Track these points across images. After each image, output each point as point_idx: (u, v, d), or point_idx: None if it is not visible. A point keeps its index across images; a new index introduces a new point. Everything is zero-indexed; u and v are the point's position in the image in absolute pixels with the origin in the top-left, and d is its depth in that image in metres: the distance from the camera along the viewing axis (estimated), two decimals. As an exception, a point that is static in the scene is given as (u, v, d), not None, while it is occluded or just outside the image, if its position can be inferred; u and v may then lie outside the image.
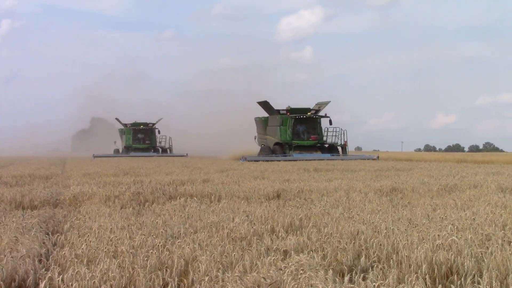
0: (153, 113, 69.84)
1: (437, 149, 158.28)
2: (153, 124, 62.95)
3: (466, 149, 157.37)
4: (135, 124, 62.23)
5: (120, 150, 62.09)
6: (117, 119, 63.78)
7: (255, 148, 47.62)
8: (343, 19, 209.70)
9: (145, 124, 62.52)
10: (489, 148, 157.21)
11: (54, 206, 11.59)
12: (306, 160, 35.73)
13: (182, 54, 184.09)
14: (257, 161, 35.24)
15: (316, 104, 45.24)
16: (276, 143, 43.52)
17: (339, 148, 43.29)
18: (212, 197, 12.45)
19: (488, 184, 14.70)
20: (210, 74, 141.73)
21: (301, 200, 11.77)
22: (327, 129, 43.96)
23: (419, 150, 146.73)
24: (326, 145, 43.86)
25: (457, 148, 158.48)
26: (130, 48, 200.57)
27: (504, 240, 6.79)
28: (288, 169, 24.22)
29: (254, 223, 8.11)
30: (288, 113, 43.45)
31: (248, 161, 35.19)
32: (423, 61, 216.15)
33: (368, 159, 39.27)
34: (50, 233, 8.04)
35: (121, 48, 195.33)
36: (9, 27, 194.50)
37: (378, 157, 41.20)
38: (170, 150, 60.47)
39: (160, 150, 61.40)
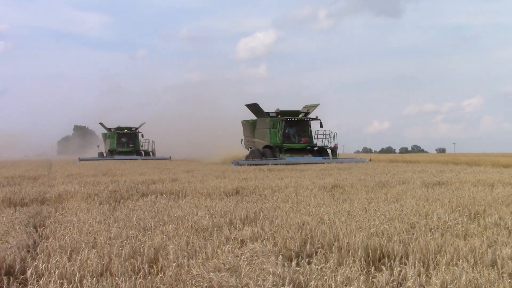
0: (130, 120, 66.94)
1: (373, 151, 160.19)
2: (136, 128, 58.15)
3: (397, 150, 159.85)
4: (119, 129, 57.60)
5: (104, 154, 57.62)
6: (101, 123, 59.04)
7: (239, 152, 41.78)
8: (292, 41, 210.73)
9: (129, 128, 57.77)
10: (416, 149, 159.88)
11: (41, 203, 11.37)
12: (298, 163, 31.07)
13: (153, 70, 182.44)
14: (249, 165, 29.81)
15: (304, 107, 39.05)
16: (266, 146, 37.55)
17: (329, 151, 37.70)
18: (179, 194, 12.38)
19: (414, 180, 14.90)
20: (179, 87, 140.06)
21: (256, 196, 11.76)
22: (317, 132, 37.98)
23: (358, 151, 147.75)
24: (316, 148, 38.04)
25: (389, 150, 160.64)
26: (109, 64, 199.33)
27: (426, 227, 6.92)
28: (245, 169, 24.18)
29: (215, 217, 8.09)
30: (279, 116, 37.24)
31: (240, 165, 30.37)
32: (361, 76, 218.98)
33: (360, 161, 34.15)
34: (37, 226, 7.91)
35: (101, 65, 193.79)
36: (3, 47, 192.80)
37: (370, 159, 36.74)
38: (153, 154, 56.26)
39: (143, 153, 56.94)
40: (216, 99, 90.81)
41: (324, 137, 37.78)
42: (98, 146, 60.79)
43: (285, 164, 30.79)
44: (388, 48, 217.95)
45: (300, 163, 31.27)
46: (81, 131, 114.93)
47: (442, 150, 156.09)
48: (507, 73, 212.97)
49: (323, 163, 31.84)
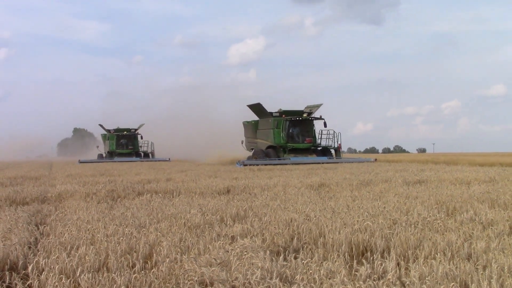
0: (129, 122, 65.42)
1: (358, 151, 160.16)
2: (136, 130, 55.48)
3: (380, 151, 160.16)
4: (118, 130, 54.92)
5: (104, 155, 55.21)
6: (100, 125, 56.62)
7: (236, 153, 39.92)
8: (281, 47, 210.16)
9: (128, 130, 55.10)
10: (398, 150, 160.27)
11: (42, 202, 11.32)
12: (303, 163, 29.41)
13: (149, 75, 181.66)
14: (255, 165, 27.69)
15: (306, 107, 36.93)
16: (270, 146, 35.31)
17: (332, 151, 35.70)
18: (173, 193, 12.35)
19: (396, 179, 14.94)
20: (174, 91, 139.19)
21: (246, 194, 11.74)
22: (321, 132, 35.87)
23: (343, 152, 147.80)
24: (319, 148, 35.88)
25: (373, 150, 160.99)
26: (107, 70, 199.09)
27: (407, 223, 6.95)
28: (236, 169, 24.19)
29: (206, 214, 8.09)
30: (284, 116, 35.08)
31: (245, 165, 28.14)
32: (346, 81, 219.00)
33: (365, 162, 32.17)
34: (38, 224, 7.88)
35: (99, 70, 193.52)
36: (5, 54, 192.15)
37: (376, 159, 34.82)
38: (152, 155, 53.54)
39: (143, 155, 54.23)
40: (210, 102, 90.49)
41: (327, 137, 35.93)
42: (97, 146, 58.61)
43: (291, 164, 29.41)
44: (371, 54, 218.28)
45: (305, 163, 29.82)
46: (80, 133, 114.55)
47: (422, 150, 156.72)
48: (482, 78, 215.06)
49: (329, 163, 30.71)
